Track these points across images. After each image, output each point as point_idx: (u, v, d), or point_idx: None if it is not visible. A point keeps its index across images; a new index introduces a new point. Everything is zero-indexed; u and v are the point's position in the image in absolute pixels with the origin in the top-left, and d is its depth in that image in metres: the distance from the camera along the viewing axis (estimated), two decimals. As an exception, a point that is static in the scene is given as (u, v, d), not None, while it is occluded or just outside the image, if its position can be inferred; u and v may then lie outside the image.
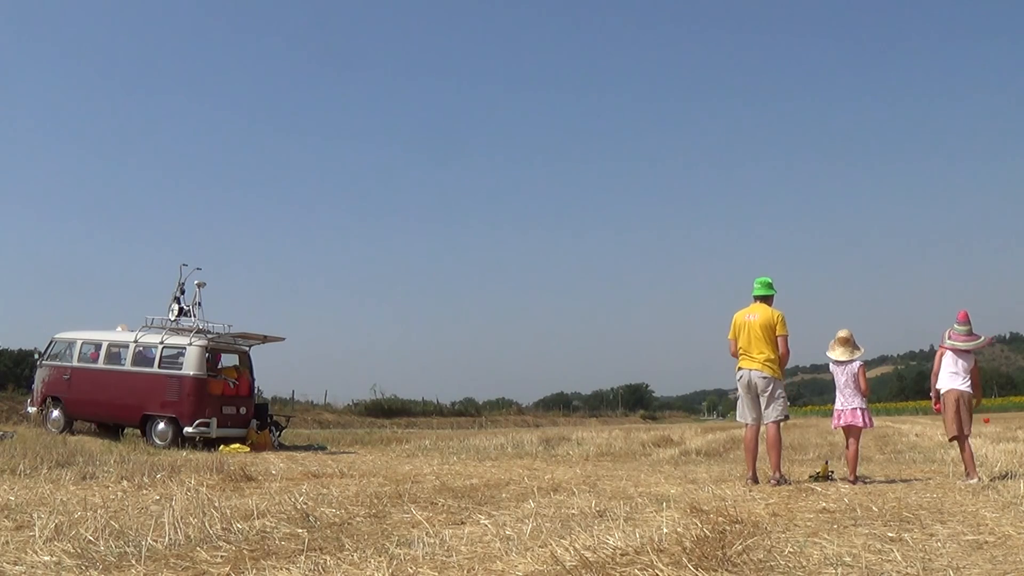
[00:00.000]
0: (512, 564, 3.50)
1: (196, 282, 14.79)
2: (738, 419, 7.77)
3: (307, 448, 14.68)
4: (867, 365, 7.83)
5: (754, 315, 7.41)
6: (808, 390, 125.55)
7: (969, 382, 7.52)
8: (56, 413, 14.67)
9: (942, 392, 7.60)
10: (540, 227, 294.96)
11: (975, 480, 7.26)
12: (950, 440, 7.77)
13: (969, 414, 7.51)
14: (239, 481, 7.37)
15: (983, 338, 7.58)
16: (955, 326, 7.62)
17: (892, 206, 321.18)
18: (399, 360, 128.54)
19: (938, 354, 7.75)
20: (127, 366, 14.01)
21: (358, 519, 4.93)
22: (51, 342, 15.32)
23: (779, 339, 7.36)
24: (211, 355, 14.08)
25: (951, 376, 7.54)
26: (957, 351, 7.57)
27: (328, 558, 3.63)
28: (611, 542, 3.84)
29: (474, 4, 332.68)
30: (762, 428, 7.47)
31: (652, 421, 54.57)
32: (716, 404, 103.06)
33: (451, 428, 31.02)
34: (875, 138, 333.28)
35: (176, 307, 14.64)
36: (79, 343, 14.72)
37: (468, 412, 44.26)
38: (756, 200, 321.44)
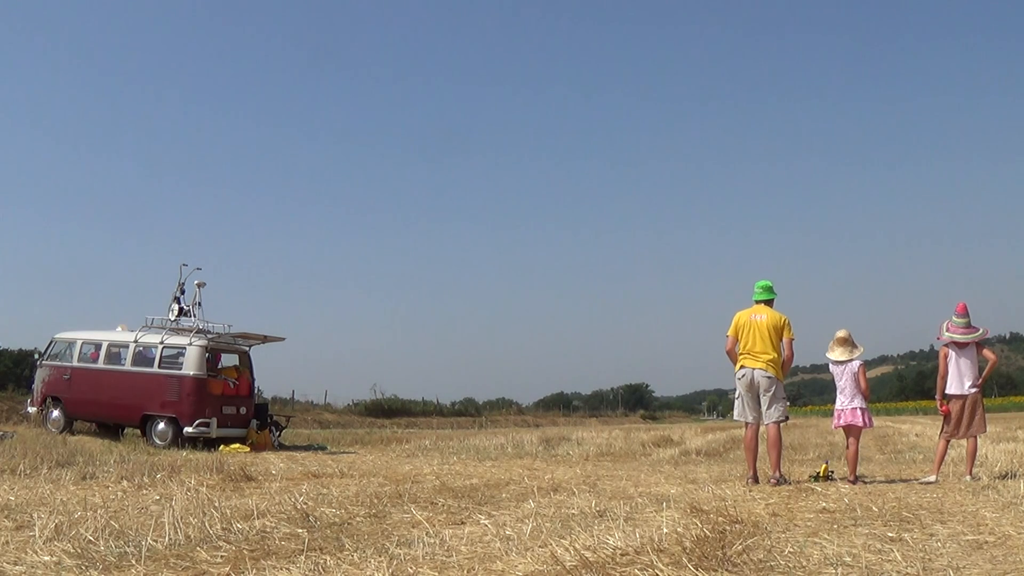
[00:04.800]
0: (512, 564, 3.50)
1: (196, 282, 14.80)
2: (736, 418, 7.79)
3: (307, 448, 14.69)
4: (867, 365, 7.85)
5: (761, 316, 7.43)
6: (808, 390, 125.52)
7: (975, 384, 7.59)
8: (56, 413, 14.66)
9: (949, 395, 7.69)
10: (540, 227, 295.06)
11: (968, 477, 7.45)
12: (940, 435, 7.86)
13: (973, 415, 7.59)
14: (239, 481, 7.38)
15: (981, 330, 7.65)
16: (953, 318, 7.69)
17: (892, 206, 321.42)
18: (399, 360, 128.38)
19: (941, 354, 7.80)
20: (127, 366, 14.01)
21: (358, 519, 4.94)
22: (51, 342, 15.32)
23: (787, 342, 7.44)
24: (211, 355, 14.08)
25: (957, 380, 7.62)
26: (957, 347, 7.63)
27: (328, 558, 3.63)
28: (611, 542, 3.84)
29: (473, 4, 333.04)
30: (762, 428, 7.49)
31: (652, 421, 54.54)
32: (716, 404, 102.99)
33: (451, 428, 30.99)
34: (875, 138, 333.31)
35: (176, 307, 14.63)
36: (79, 343, 14.72)
37: (468, 412, 44.23)
38: (756, 200, 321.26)
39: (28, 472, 7.71)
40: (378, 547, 3.91)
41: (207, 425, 13.18)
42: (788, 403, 7.75)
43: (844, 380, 7.55)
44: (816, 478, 7.62)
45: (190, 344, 13.67)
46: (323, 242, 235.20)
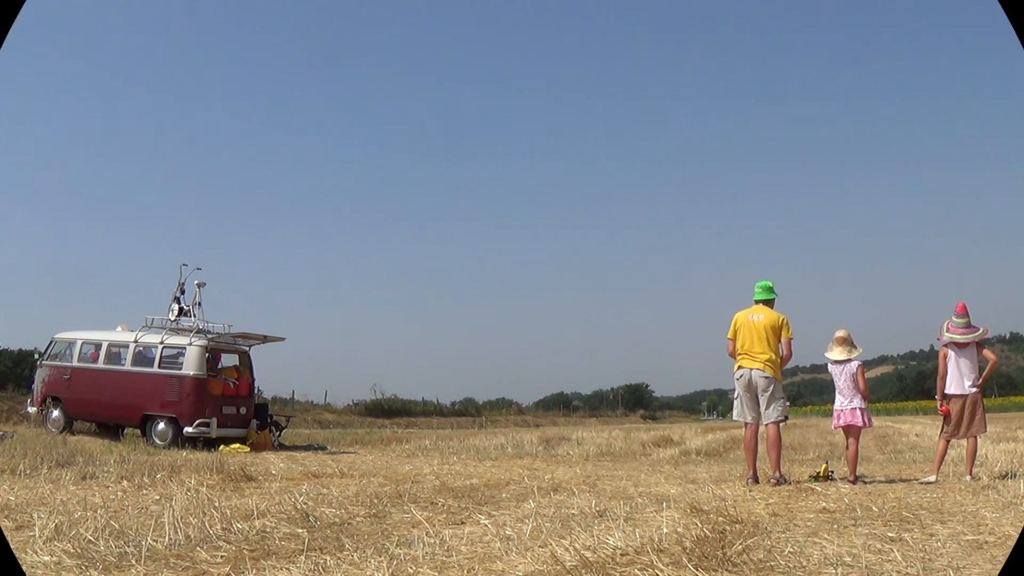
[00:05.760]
0: (512, 564, 3.51)
1: (196, 282, 14.80)
2: (735, 418, 7.79)
3: (307, 448, 14.68)
4: (867, 365, 7.87)
5: (759, 316, 7.44)
6: (808, 390, 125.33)
7: (975, 384, 7.59)
8: (56, 413, 14.66)
9: (949, 395, 7.72)
10: (540, 227, 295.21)
11: (967, 477, 7.47)
12: (940, 435, 7.89)
13: (974, 415, 7.61)
14: (239, 481, 7.37)
15: (981, 329, 7.67)
16: (953, 318, 7.71)
17: (892, 206, 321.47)
18: (399, 360, 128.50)
19: (941, 354, 7.81)
20: (127, 366, 14.00)
21: (358, 519, 4.94)
22: (51, 342, 15.32)
23: (786, 341, 7.44)
24: (211, 355, 14.08)
25: (957, 380, 7.64)
26: (957, 347, 7.64)
27: (328, 558, 3.63)
28: (611, 542, 3.85)
29: (474, 3, 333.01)
30: (761, 428, 7.49)
31: (652, 421, 54.53)
32: (716, 404, 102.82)
33: (451, 428, 31.00)
34: (875, 138, 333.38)
35: (176, 307, 14.63)
36: (79, 343, 14.72)
37: (468, 412, 44.22)
38: (756, 200, 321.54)
39: (28, 472, 7.70)
40: (378, 547, 3.91)
41: (207, 425, 13.18)
42: (787, 403, 7.76)
43: (843, 380, 7.55)
44: (816, 478, 7.63)
45: (190, 344, 13.66)
46: (323, 242, 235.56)
